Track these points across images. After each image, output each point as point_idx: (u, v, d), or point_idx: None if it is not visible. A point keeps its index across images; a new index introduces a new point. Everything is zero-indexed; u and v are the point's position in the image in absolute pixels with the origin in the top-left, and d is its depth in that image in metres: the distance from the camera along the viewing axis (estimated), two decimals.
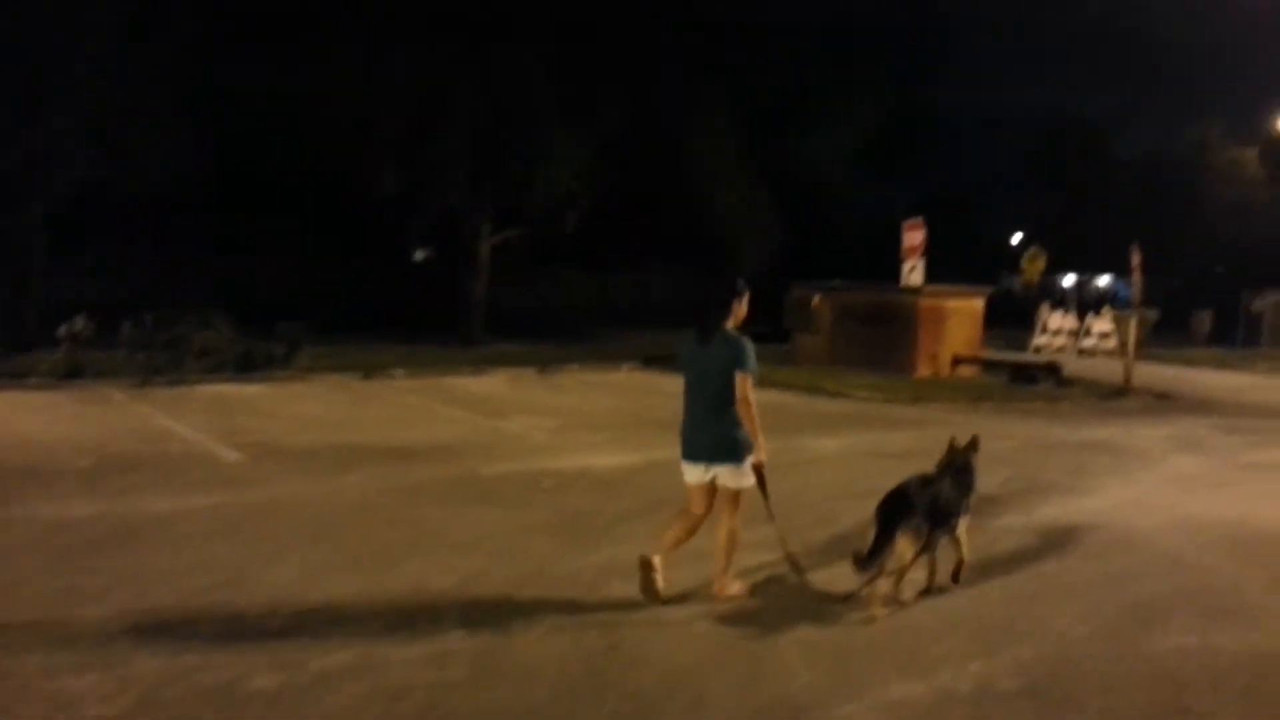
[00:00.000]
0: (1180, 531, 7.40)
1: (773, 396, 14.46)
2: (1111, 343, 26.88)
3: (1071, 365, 22.69)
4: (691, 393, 5.22)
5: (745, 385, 4.99)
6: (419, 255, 36.76)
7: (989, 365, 18.10)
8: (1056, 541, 7.03)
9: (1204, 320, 31.37)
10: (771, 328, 19.47)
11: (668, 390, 15.27)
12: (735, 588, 5.36)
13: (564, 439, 10.60)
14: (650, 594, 5.20)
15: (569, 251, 35.46)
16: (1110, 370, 21.49)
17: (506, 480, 8.44)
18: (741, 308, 5.21)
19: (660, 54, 19.07)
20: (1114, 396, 16.58)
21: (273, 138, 18.95)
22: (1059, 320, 26.95)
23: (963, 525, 5.63)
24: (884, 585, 5.23)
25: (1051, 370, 16.77)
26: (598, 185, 20.62)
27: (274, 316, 15.80)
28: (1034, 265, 32.15)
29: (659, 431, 11.16)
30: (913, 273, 20.94)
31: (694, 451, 5.20)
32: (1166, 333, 31.79)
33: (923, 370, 17.43)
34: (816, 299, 19.04)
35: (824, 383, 15.55)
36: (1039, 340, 26.81)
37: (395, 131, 17.39)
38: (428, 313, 22.48)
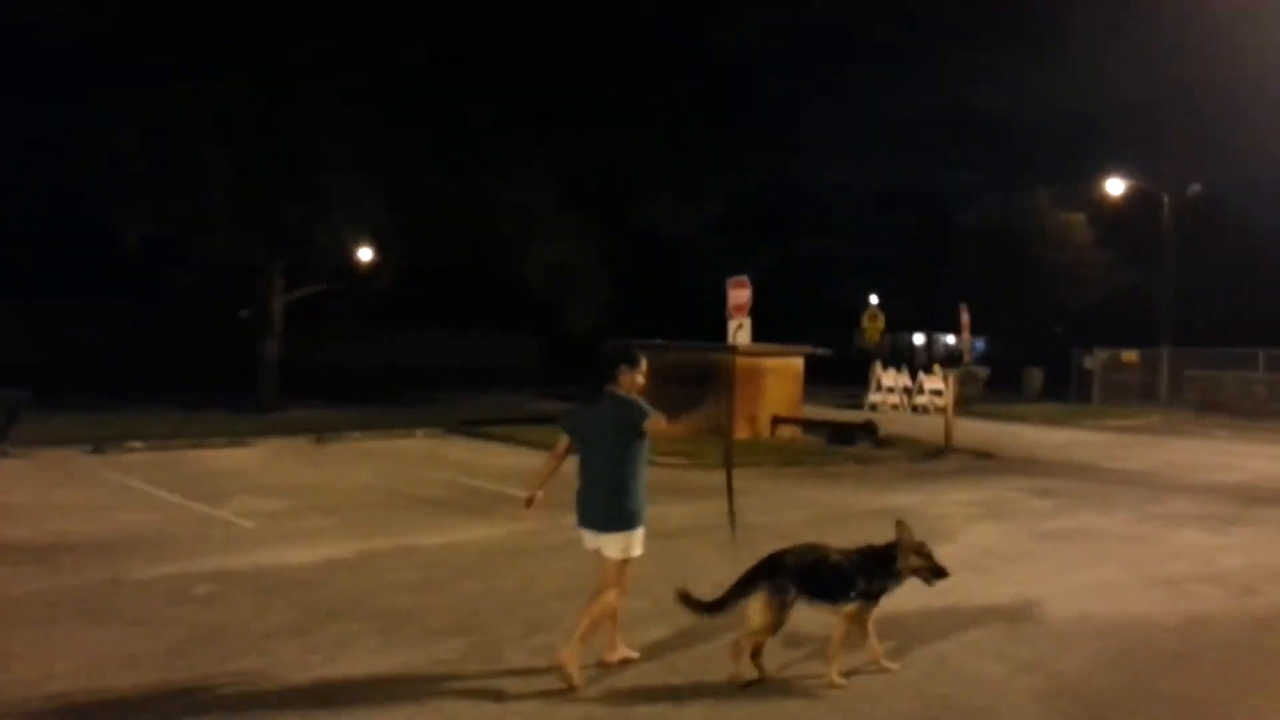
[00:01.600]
0: (953, 623, 6.33)
1: (567, 465, 13.15)
2: (943, 400, 26.77)
3: (901, 423, 22.34)
4: (584, 458, 5.09)
5: (657, 423, 4.95)
6: (244, 313, 34.66)
7: (810, 425, 17.27)
8: (792, 644, 5.80)
9: (1035, 376, 31.84)
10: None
11: (451, 459, 14.21)
12: (574, 665, 4.91)
13: (278, 526, 8.94)
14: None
15: (422, 310, 34.00)
16: (938, 428, 21.11)
17: (152, 587, 6.75)
18: (635, 377, 5.09)
19: (466, 108, 17.79)
20: (933, 456, 15.94)
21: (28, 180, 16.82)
22: (892, 378, 26.66)
23: (862, 609, 5.14)
24: (735, 650, 5.03)
25: (868, 430, 16.00)
26: (412, 241, 19.10)
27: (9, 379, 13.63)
28: (874, 325, 32.07)
29: (405, 512, 9.67)
30: (739, 331, 20.13)
31: (584, 518, 5.06)
32: (1003, 389, 32.22)
33: (741, 432, 16.41)
34: None
35: None
36: (874, 398, 26.44)
37: (145, 175, 15.50)
38: (229, 374, 20.46)
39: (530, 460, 13.65)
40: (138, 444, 13.47)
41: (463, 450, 14.46)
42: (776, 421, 16.95)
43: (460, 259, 19.62)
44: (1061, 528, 10.03)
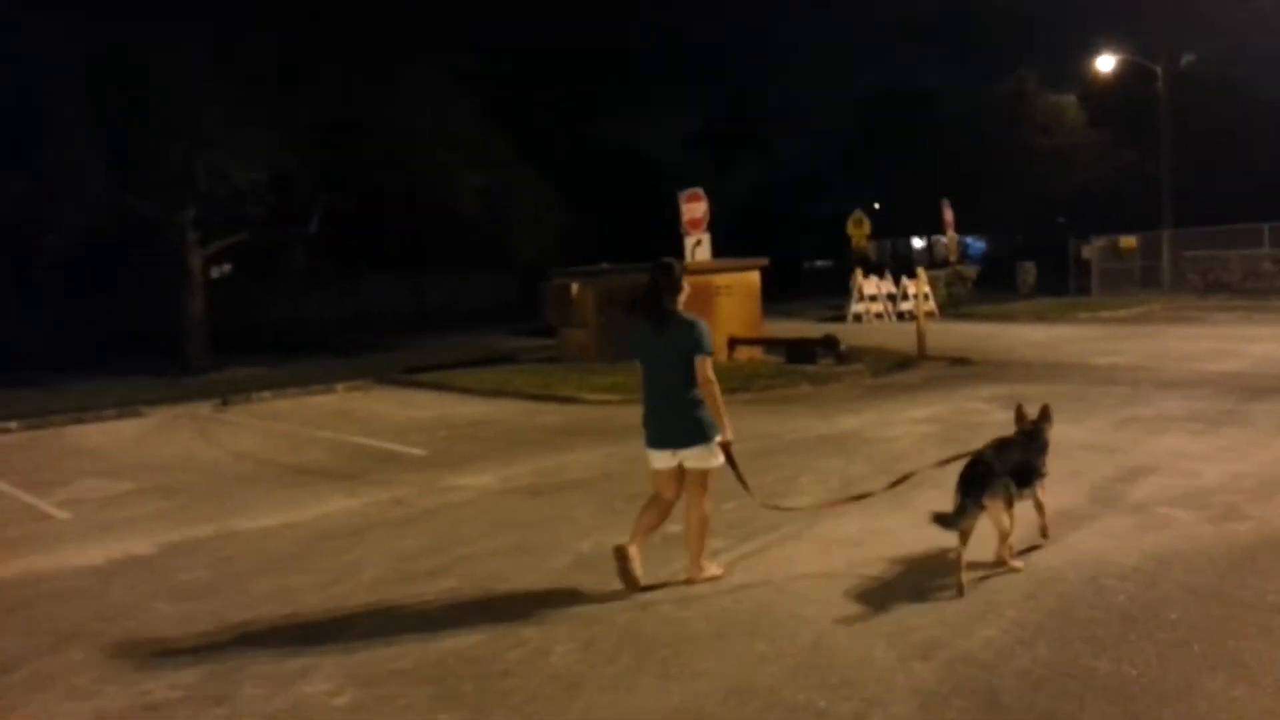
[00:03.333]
0: (843, 587, 5.06)
1: (492, 410, 11.95)
2: (929, 304, 25.29)
3: (884, 332, 20.98)
4: (650, 381, 5.11)
5: (705, 367, 4.94)
6: (218, 272, 33.38)
7: (771, 345, 15.91)
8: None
9: (1029, 271, 30.26)
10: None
11: (361, 415, 12.36)
12: (712, 569, 5.25)
13: (98, 516, 7.69)
14: (629, 581, 5.08)
15: (395, 255, 32.56)
16: (929, 331, 19.72)
17: None
18: (686, 288, 5.06)
19: (366, 27, 16.09)
20: (901, 368, 14.60)
21: None
22: (875, 285, 25.16)
23: (1040, 487, 5.50)
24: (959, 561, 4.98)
25: (828, 345, 14.63)
26: (329, 179, 17.59)
27: None
28: (859, 231, 30.59)
29: (260, 486, 8.42)
30: (698, 248, 18.71)
31: (660, 439, 5.08)
32: (999, 287, 30.65)
33: None
34: (576, 287, 16.51)
35: (560, 387, 13.02)
36: (856, 308, 25.00)
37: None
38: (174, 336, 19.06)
39: (455, 408, 12.41)
40: (13, 424, 12.23)
41: (381, 403, 13.20)
42: (733, 343, 15.59)
43: (387, 195, 18.10)
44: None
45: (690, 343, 4.93)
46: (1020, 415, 5.66)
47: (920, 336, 15.81)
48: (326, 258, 30.06)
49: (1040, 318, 22.60)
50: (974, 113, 42.94)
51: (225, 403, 13.47)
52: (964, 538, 4.94)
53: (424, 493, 7.77)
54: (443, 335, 24.74)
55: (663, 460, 5.10)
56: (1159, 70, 31.93)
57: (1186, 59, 32.97)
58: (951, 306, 25.99)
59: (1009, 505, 5.06)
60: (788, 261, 49.15)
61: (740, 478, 5.23)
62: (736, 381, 12.94)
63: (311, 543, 6.55)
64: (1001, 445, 5.33)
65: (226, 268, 33.08)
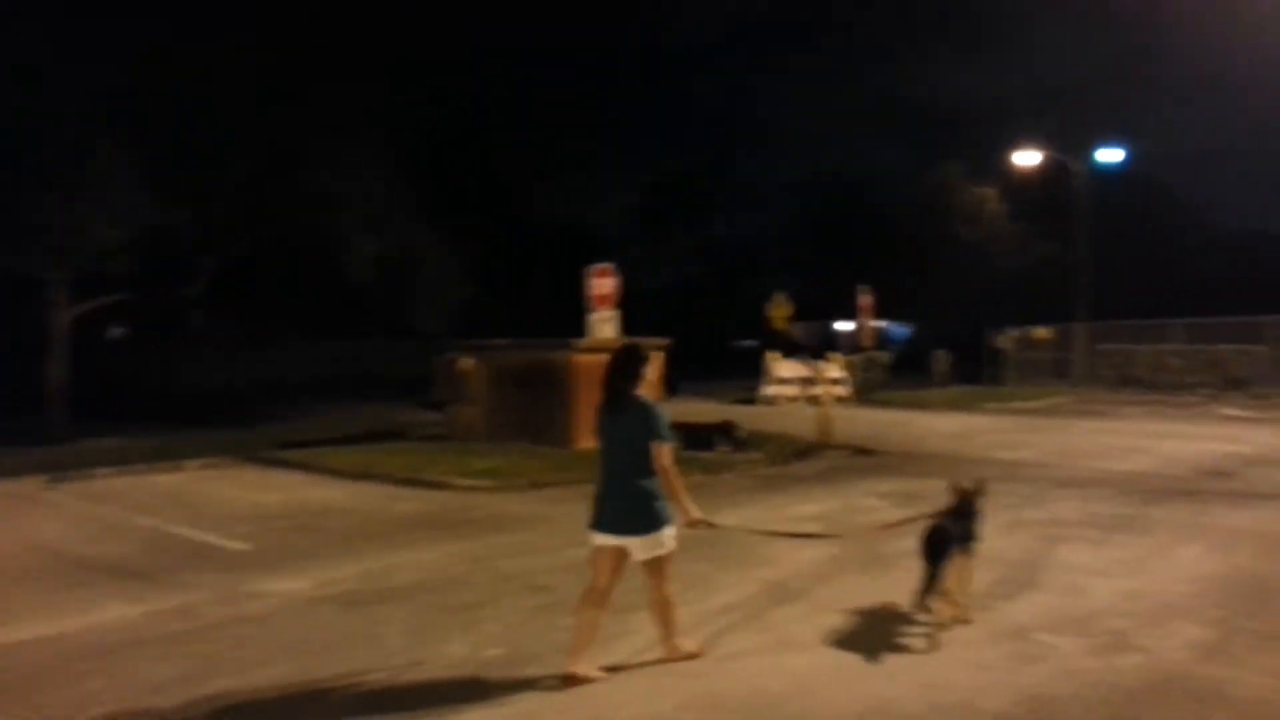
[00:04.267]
0: None
1: (349, 495, 10.92)
2: (843, 389, 24.92)
3: (795, 417, 20.37)
4: (603, 464, 5.08)
5: (664, 454, 4.91)
6: (116, 334, 31.76)
7: (681, 427, 15.09)
8: None
9: (943, 359, 30.16)
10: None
11: (198, 499, 10.73)
12: (689, 645, 5.26)
13: None
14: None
15: (317, 320, 31.20)
16: (841, 418, 19.16)
17: None
18: (652, 372, 5.09)
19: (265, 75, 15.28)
20: (801, 456, 13.93)
21: None
22: (788, 368, 24.68)
23: (971, 554, 5.81)
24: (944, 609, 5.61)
25: (726, 431, 13.91)
26: (210, 235, 16.55)
27: None
28: (779, 313, 30.28)
29: (26, 586, 7.28)
30: (603, 325, 18.01)
31: (605, 523, 5.00)
32: (915, 374, 30.50)
33: (583, 441, 14.19)
34: (466, 362, 15.62)
35: (431, 469, 12.04)
36: (769, 390, 24.48)
37: None
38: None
39: (310, 492, 11.36)
40: None
41: (230, 485, 12.03)
42: None
43: (274, 255, 17.09)
44: (904, 549, 7.95)
45: (646, 429, 4.89)
46: (956, 489, 6.05)
47: (824, 424, 15.20)
48: (237, 321, 28.77)
49: (952, 406, 22.27)
50: (904, 201, 43.56)
51: (55, 480, 12.17)
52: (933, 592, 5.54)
53: (220, 600, 6.73)
54: (348, 405, 23.55)
55: (604, 540, 5.00)
56: (1076, 167, 32.57)
57: (1103, 156, 33.70)
58: (866, 392, 25.63)
59: (963, 568, 5.71)
60: (714, 341, 49.01)
61: (707, 522, 5.32)
62: None
63: (54, 665, 5.47)
64: (952, 514, 5.84)
65: (119, 330, 31.53)
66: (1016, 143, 34.16)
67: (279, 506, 10.44)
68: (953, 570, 5.58)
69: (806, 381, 24.74)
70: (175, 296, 18.79)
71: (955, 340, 36.83)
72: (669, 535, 5.01)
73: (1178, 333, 26.82)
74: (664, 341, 15.86)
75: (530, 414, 14.78)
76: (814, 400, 24.33)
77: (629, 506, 4.94)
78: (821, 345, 39.19)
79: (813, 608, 6.31)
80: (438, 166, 19.56)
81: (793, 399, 24.40)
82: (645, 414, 4.94)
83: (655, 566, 5.04)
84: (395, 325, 23.03)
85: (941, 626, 5.60)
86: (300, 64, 14.96)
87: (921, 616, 5.72)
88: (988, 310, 37.24)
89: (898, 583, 6.47)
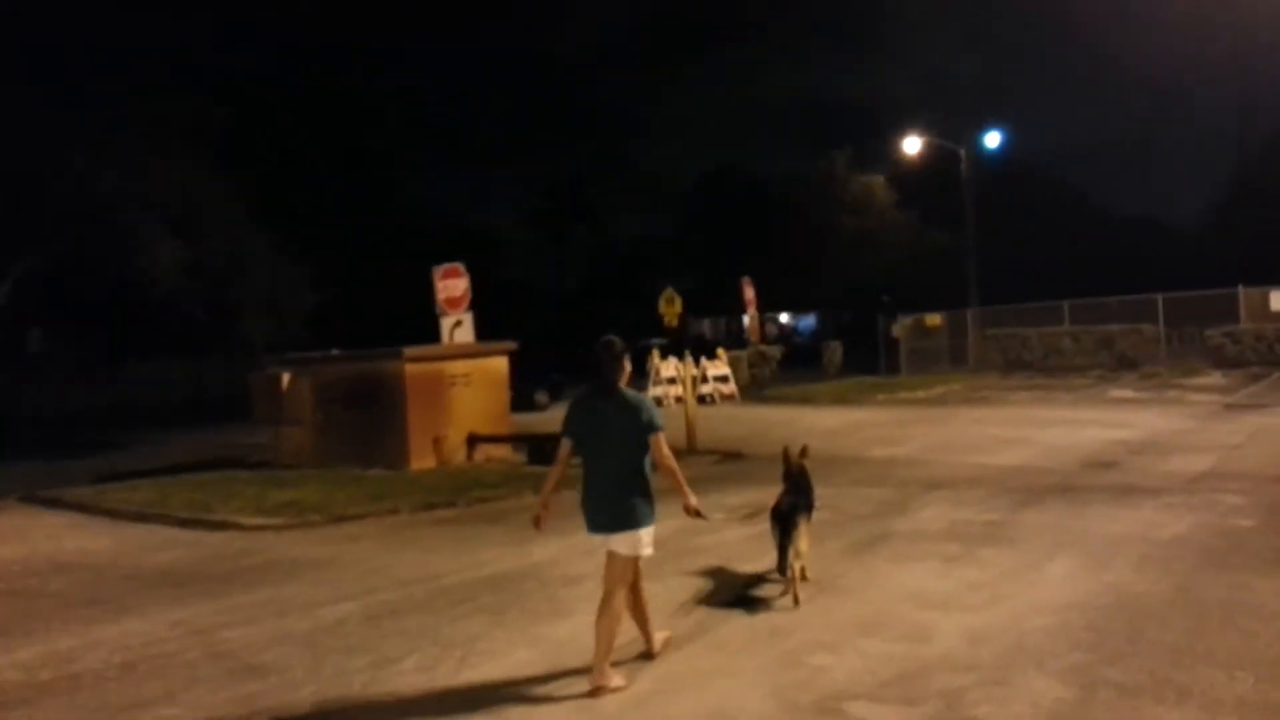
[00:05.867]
0: None
1: (113, 542, 9.33)
2: (729, 386, 23.82)
3: (679, 416, 19.13)
4: (592, 462, 4.90)
5: (662, 444, 4.82)
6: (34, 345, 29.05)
7: (518, 442, 13.68)
8: None
9: (835, 351, 29.32)
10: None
11: None
12: (616, 679, 4.77)
13: None
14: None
15: (152, 342, 28.79)
16: (714, 419, 17.97)
17: None
18: (628, 365, 5.00)
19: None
20: None
21: None
22: (673, 367, 23.37)
23: (806, 521, 6.21)
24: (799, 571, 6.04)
25: None
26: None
27: None
28: (670, 309, 29.04)
29: None
30: (457, 330, 16.48)
31: (595, 523, 4.89)
32: (812, 366, 29.56)
33: (419, 460, 12.69)
34: (287, 378, 13.93)
35: (223, 506, 10.39)
36: (654, 391, 23.15)
37: None
38: None
39: (68, 539, 9.64)
40: None
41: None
42: (473, 440, 13.29)
43: (77, 266, 15.14)
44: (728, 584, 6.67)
45: (642, 422, 4.78)
46: (786, 458, 6.58)
47: (690, 427, 13.96)
48: (80, 343, 26.38)
49: (840, 400, 21.30)
50: (799, 194, 42.89)
51: None
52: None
53: None
54: (194, 430, 21.59)
55: (602, 540, 4.88)
56: (961, 152, 32.11)
57: (989, 141, 33.33)
58: (755, 388, 24.59)
59: (807, 533, 6.17)
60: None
61: (701, 515, 5.16)
62: (445, 493, 10.63)
63: None
64: (787, 492, 6.26)
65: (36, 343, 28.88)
66: (903, 132, 33.63)
67: (13, 561, 8.69)
68: (802, 535, 6.02)
69: (692, 381, 23.48)
70: None
71: (853, 330, 36.22)
72: (648, 535, 4.87)
73: (1065, 314, 26.41)
74: (509, 345, 14.49)
75: (360, 433, 13.19)
76: (702, 399, 23.19)
77: (613, 502, 4.81)
78: (719, 341, 38.31)
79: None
80: (284, 171, 17.78)
81: (679, 399, 23.14)
82: (637, 406, 4.83)
83: (622, 567, 4.84)
84: (230, 341, 21.10)
85: (797, 583, 5.99)
86: (76, 57, 13.11)
87: (775, 576, 6.13)
88: (882, 300, 36.76)
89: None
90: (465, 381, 13.40)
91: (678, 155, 68.56)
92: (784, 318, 57.25)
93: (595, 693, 4.67)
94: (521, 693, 4.83)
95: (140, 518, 10.39)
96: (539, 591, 6.77)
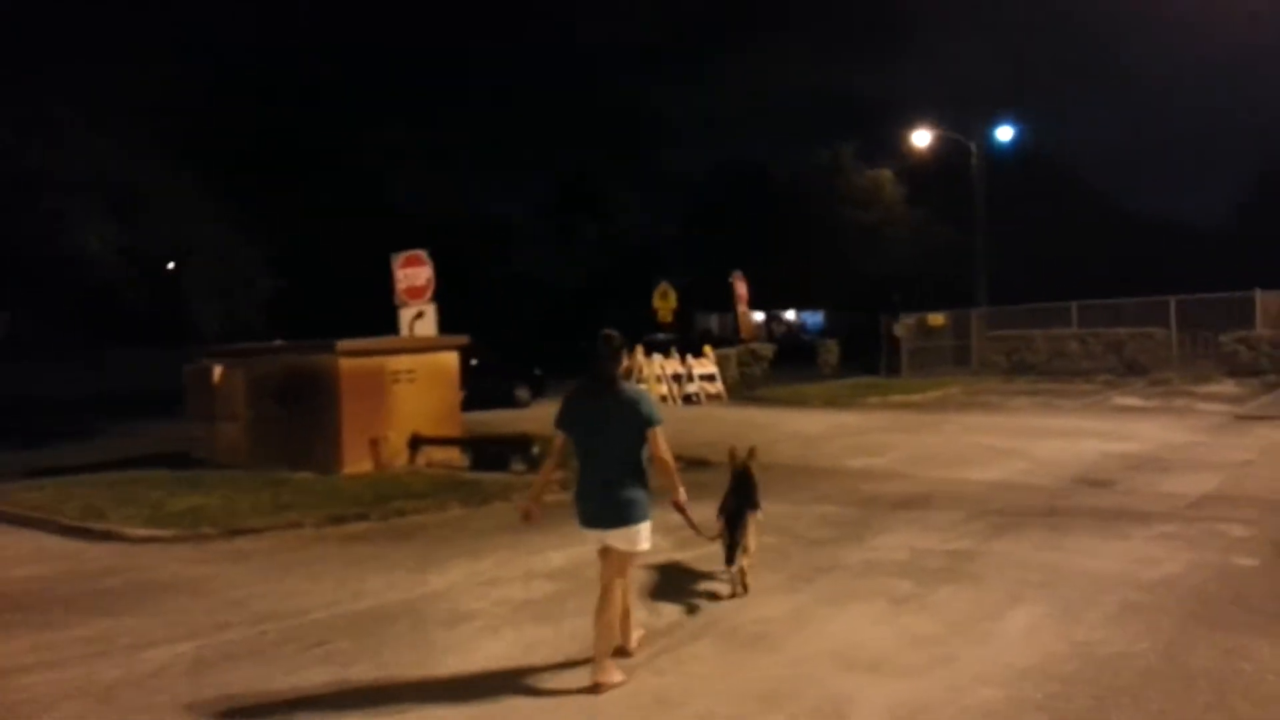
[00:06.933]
0: None
1: None
2: (716, 385, 22.76)
3: (675, 416, 18.08)
4: (588, 457, 4.86)
5: (659, 439, 4.78)
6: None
7: (467, 444, 12.66)
8: None
9: (830, 350, 28.18)
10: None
11: None
12: (616, 675, 4.73)
13: None
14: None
15: (133, 328, 27.97)
16: (691, 420, 16.93)
17: None
18: (625, 360, 5.33)
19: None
20: None
21: None
22: (658, 365, 22.37)
23: (754, 521, 6.26)
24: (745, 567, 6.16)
25: (521, 446, 11.52)
26: None
27: None
28: (665, 304, 28.09)
29: None
30: (418, 322, 15.53)
31: (590, 518, 4.85)
32: (809, 366, 28.41)
33: (354, 464, 11.71)
34: (218, 371, 12.97)
35: (116, 511, 9.45)
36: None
37: None
38: None
39: None
40: None
41: None
42: (416, 442, 12.29)
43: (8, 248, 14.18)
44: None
45: (640, 415, 4.76)
46: (732, 456, 6.47)
47: None
48: (89, 330, 25.46)
49: (830, 403, 20.20)
50: (805, 188, 41.68)
51: None
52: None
53: None
54: (159, 420, 20.65)
55: (596, 535, 4.83)
56: (973, 146, 30.92)
57: (1002, 134, 32.08)
58: (746, 388, 23.51)
59: (755, 531, 6.28)
60: (626, 336, 46.61)
61: (692, 524, 5.21)
62: (362, 504, 9.62)
63: None
64: (732, 491, 6.25)
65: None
66: (913, 125, 32.45)
67: None
68: (750, 533, 6.14)
69: (677, 379, 22.49)
70: None
71: (860, 329, 34.99)
72: (645, 530, 4.84)
73: (1073, 316, 25.20)
74: (460, 339, 13.50)
75: (293, 433, 12.20)
76: (689, 399, 22.16)
77: (610, 498, 4.76)
78: (728, 338, 37.20)
79: None
80: (251, 153, 16.75)
81: (664, 398, 22.12)
82: (636, 399, 4.81)
83: (619, 562, 4.83)
84: (180, 329, 20.16)
85: (745, 573, 6.10)
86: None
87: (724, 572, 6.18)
88: (893, 298, 35.54)
89: None
90: (409, 378, 12.39)
91: (689, 151, 67.09)
92: (790, 315, 56.09)
93: (596, 689, 4.62)
94: None
95: (25, 522, 9.45)
96: (409, 635, 5.75)
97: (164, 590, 7.00)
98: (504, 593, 6.58)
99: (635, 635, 5.17)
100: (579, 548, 7.67)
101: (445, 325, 14.70)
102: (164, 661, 5.43)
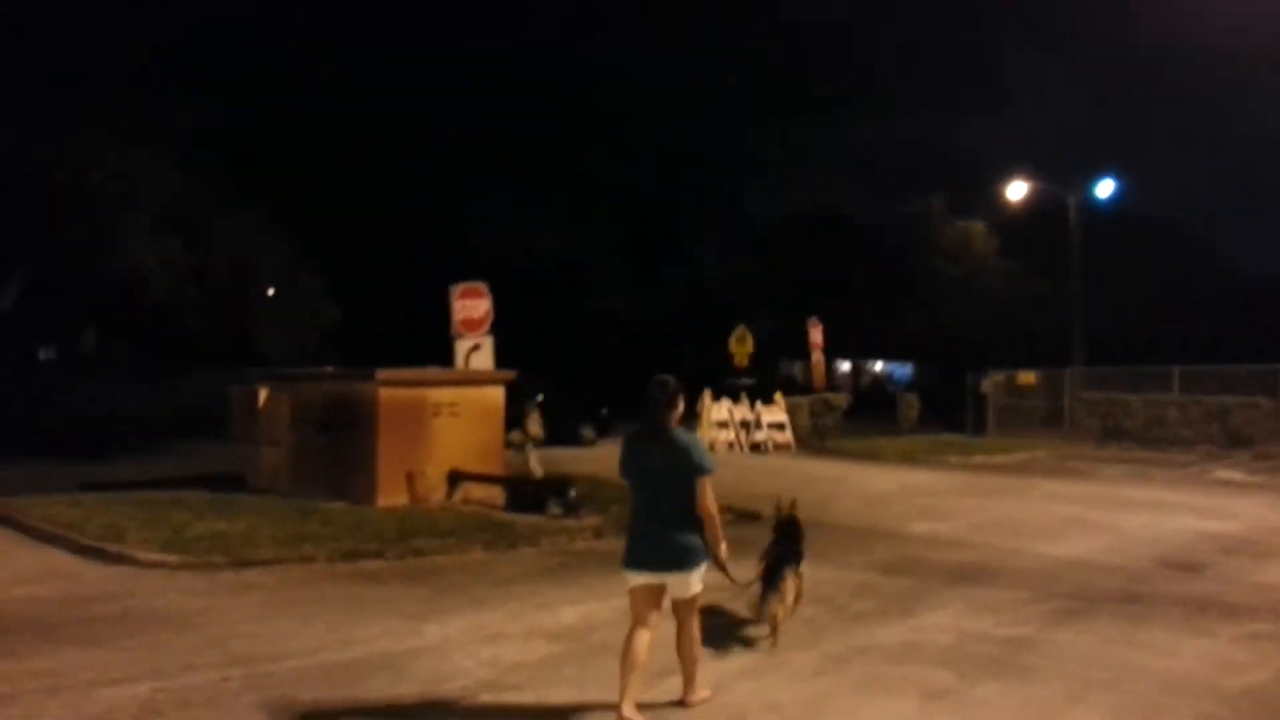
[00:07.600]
0: None
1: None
2: (786, 435, 21.93)
3: (726, 464, 17.40)
4: (642, 502, 4.92)
5: (706, 490, 4.80)
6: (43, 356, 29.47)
7: (505, 483, 12.19)
8: None
9: (911, 405, 27.04)
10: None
11: None
12: (704, 692, 5.06)
13: None
14: None
15: (214, 348, 28.60)
16: (755, 470, 16.22)
17: None
18: (680, 405, 5.01)
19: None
20: None
21: None
22: (725, 411, 21.68)
23: (798, 573, 6.28)
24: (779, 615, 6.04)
25: (558, 489, 10.99)
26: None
27: None
28: (741, 349, 27.46)
29: None
30: (475, 355, 15.22)
31: (644, 561, 4.83)
32: (885, 419, 27.30)
33: (389, 496, 11.33)
34: (264, 394, 12.80)
35: (134, 534, 9.19)
36: (704, 435, 21.45)
37: None
38: None
39: None
40: None
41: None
42: (455, 478, 11.86)
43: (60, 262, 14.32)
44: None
45: (691, 464, 4.78)
46: (777, 508, 6.65)
47: None
48: (154, 349, 26.07)
49: (906, 459, 19.22)
50: (892, 238, 40.66)
51: None
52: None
53: None
54: (224, 441, 20.84)
55: (641, 580, 4.81)
56: (1070, 200, 29.62)
57: (1101, 189, 30.65)
58: (817, 438, 22.61)
59: (796, 582, 6.24)
60: (706, 380, 46.08)
61: (732, 580, 5.11)
62: (383, 540, 9.19)
63: None
64: (775, 542, 6.34)
65: (48, 354, 29.16)
66: (1008, 178, 31.24)
67: None
68: (789, 588, 6.08)
69: (745, 425, 21.75)
70: None
71: (945, 382, 33.64)
72: (698, 575, 4.85)
73: (1174, 381, 23.62)
74: (507, 375, 13.08)
75: (333, 461, 11.91)
76: (756, 447, 21.39)
77: (665, 542, 4.77)
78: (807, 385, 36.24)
79: None
80: (320, 186, 16.80)
81: (730, 445, 21.42)
82: (687, 447, 4.84)
83: (688, 605, 4.88)
84: (242, 354, 20.29)
85: (777, 621, 5.99)
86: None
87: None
88: (975, 350, 34.12)
89: None
90: (451, 411, 11.99)
91: (774, 197, 66.66)
92: (878, 366, 54.75)
93: (683, 703, 4.96)
94: None
95: (48, 539, 9.28)
96: (377, 693, 5.23)
97: (150, 622, 6.63)
98: (497, 651, 6.02)
99: (699, 695, 5.07)
100: (595, 604, 7.12)
101: (515, 361, 14.20)
102: (113, 703, 5.01)
